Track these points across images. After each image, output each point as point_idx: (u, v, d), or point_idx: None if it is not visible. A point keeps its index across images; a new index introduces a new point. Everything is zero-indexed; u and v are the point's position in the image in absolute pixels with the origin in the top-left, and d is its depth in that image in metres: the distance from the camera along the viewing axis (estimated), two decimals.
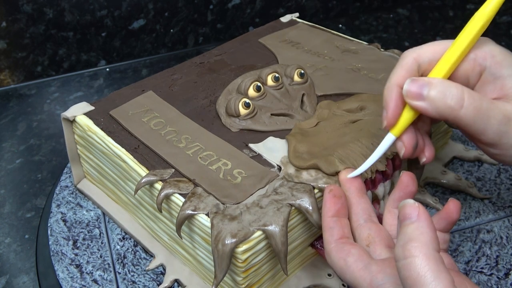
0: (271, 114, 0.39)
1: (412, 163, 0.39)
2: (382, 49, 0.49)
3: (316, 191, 0.32)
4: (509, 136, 0.27)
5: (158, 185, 0.34)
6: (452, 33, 0.77)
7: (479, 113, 0.27)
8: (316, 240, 0.36)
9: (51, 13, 0.64)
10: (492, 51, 0.28)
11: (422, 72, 0.30)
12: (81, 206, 0.44)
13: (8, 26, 0.62)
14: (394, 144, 0.31)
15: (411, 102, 0.28)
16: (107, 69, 0.70)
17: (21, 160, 0.54)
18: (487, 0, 0.28)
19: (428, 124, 0.32)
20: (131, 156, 0.36)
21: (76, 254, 0.39)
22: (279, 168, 0.34)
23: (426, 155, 0.31)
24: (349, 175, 0.32)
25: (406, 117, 0.29)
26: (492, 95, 0.28)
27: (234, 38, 0.53)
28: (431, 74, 0.29)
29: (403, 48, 0.40)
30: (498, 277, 0.37)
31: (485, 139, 0.28)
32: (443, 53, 0.29)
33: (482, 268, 0.38)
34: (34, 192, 0.49)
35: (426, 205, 0.43)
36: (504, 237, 0.40)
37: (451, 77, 0.29)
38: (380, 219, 0.38)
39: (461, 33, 0.28)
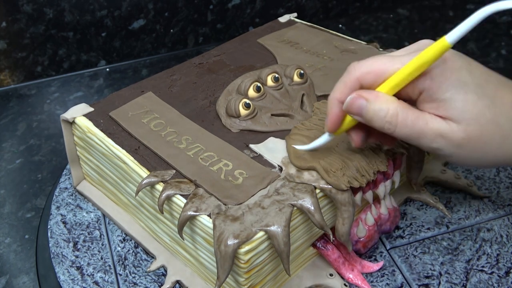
0: (271, 115, 0.39)
1: (411, 162, 0.39)
2: (380, 49, 0.49)
3: (317, 191, 0.32)
4: (442, 150, 0.29)
5: (159, 186, 0.34)
6: None
7: (411, 135, 0.29)
8: (318, 240, 0.37)
9: (51, 13, 0.64)
10: (431, 74, 0.29)
11: None
12: (81, 208, 0.44)
13: (8, 26, 0.62)
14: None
15: (352, 116, 0.31)
16: (107, 69, 0.70)
17: (21, 160, 0.54)
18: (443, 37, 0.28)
19: None
20: (131, 157, 0.36)
21: (76, 256, 0.39)
22: (280, 169, 0.34)
23: (385, 145, 0.34)
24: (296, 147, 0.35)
25: (347, 125, 0.32)
26: (429, 111, 0.29)
27: (233, 39, 0.53)
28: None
29: None
30: (499, 276, 0.37)
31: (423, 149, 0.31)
32: (384, 77, 0.30)
33: (483, 266, 0.38)
34: (34, 192, 0.49)
35: (425, 204, 0.43)
36: (504, 236, 0.40)
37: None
38: (380, 218, 0.38)
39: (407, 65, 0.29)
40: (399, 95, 0.30)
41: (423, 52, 0.28)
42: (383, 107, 0.29)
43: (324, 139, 0.34)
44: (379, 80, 0.30)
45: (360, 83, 0.30)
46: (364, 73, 0.30)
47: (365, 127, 0.32)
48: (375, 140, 0.33)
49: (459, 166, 0.30)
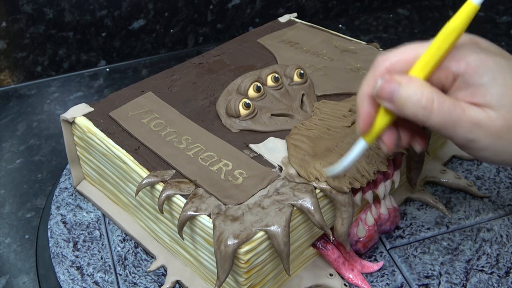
0: (271, 115, 0.39)
1: (411, 163, 0.39)
2: (380, 49, 0.49)
3: (317, 191, 0.32)
4: (477, 141, 0.27)
5: (159, 186, 0.34)
6: None
7: (447, 124, 0.27)
8: (318, 240, 0.37)
9: (51, 13, 0.64)
10: (466, 57, 0.27)
11: None
12: (81, 208, 0.44)
13: (8, 26, 0.62)
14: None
15: (382, 103, 0.28)
16: (107, 69, 0.70)
17: (21, 160, 0.54)
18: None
19: None
20: (131, 157, 0.36)
21: (76, 256, 0.39)
22: (280, 169, 0.34)
23: (418, 145, 0.31)
24: (326, 173, 0.32)
25: (380, 124, 0.29)
26: (464, 100, 0.27)
27: (233, 39, 0.53)
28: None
29: None
30: (499, 276, 0.37)
31: (455, 142, 0.28)
32: (414, 63, 0.28)
33: (482, 266, 0.38)
34: (34, 192, 0.49)
35: (425, 204, 0.43)
36: (504, 236, 0.40)
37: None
38: (380, 218, 0.38)
39: (435, 39, 0.27)
40: (431, 83, 0.28)
41: (450, 20, 0.26)
42: (417, 91, 0.26)
43: (359, 148, 0.30)
44: (409, 67, 0.28)
45: (389, 72, 0.28)
46: (394, 62, 0.28)
47: (396, 128, 0.30)
48: (407, 141, 0.31)
49: (492, 164, 0.28)
